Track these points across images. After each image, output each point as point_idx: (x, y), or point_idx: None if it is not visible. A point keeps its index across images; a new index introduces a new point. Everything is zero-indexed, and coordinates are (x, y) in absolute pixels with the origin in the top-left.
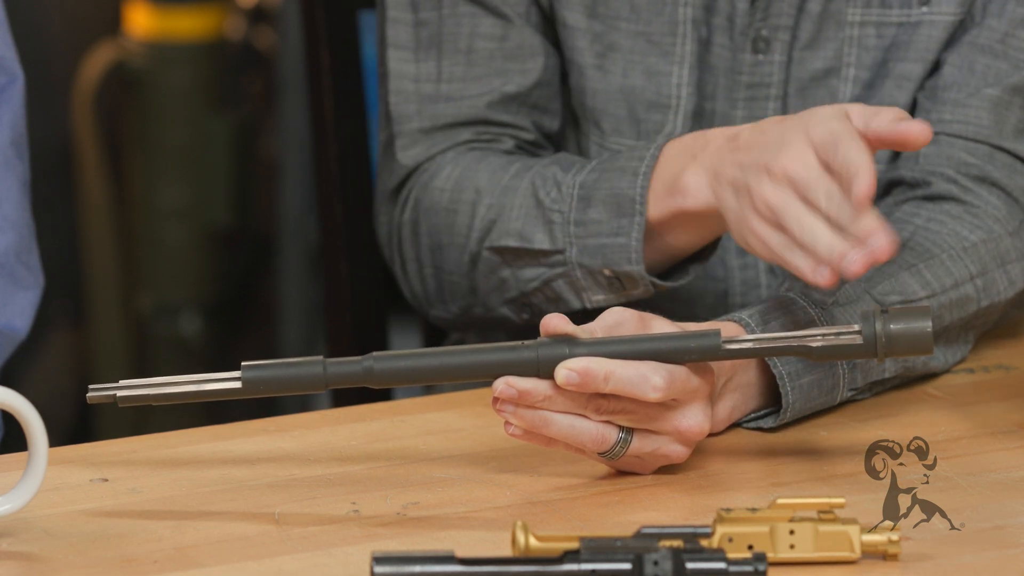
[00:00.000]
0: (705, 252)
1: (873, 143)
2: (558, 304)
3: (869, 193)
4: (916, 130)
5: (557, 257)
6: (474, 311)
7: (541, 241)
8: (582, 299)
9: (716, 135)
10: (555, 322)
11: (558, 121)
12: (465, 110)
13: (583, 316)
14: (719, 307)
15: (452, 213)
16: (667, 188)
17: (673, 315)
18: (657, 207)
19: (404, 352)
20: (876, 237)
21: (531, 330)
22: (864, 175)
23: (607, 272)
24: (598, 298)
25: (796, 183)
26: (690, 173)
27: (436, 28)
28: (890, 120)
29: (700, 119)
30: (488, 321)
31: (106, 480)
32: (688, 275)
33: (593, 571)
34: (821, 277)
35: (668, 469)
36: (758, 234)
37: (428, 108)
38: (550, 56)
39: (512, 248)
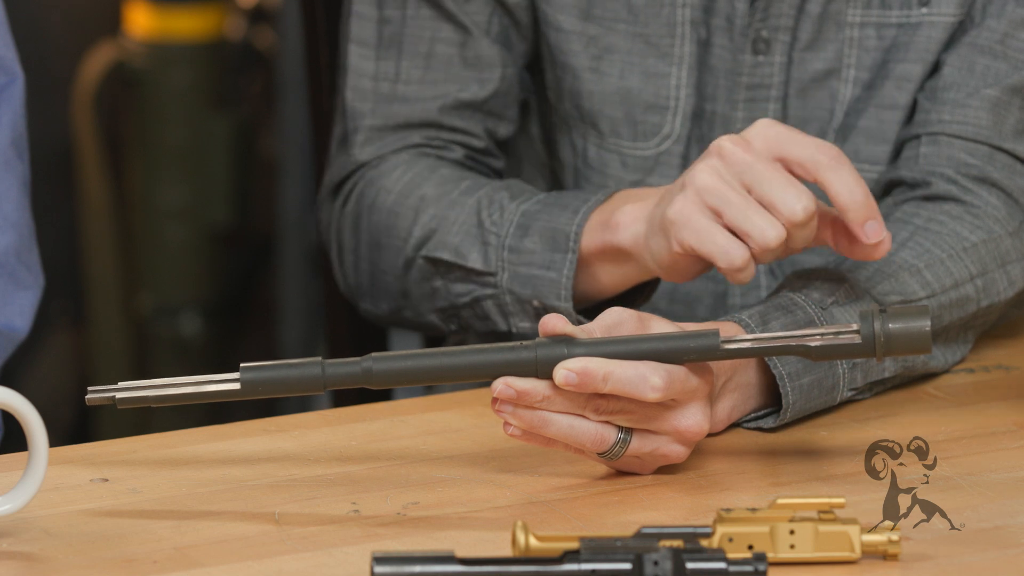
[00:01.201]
0: (646, 289)
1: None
2: (486, 322)
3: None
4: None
5: (488, 279)
6: (404, 313)
7: (475, 260)
8: (509, 323)
9: (663, 187)
10: (554, 322)
11: (512, 128)
12: (418, 112)
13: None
14: (718, 307)
15: (394, 215)
16: (602, 223)
17: (672, 316)
18: (591, 239)
19: (402, 353)
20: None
21: (465, 342)
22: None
23: (536, 303)
24: (524, 325)
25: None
26: (620, 211)
27: (399, 28)
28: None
29: (700, 120)
30: (415, 325)
31: (106, 480)
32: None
33: (593, 571)
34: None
35: (668, 469)
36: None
37: (383, 107)
38: (508, 67)
39: (446, 261)
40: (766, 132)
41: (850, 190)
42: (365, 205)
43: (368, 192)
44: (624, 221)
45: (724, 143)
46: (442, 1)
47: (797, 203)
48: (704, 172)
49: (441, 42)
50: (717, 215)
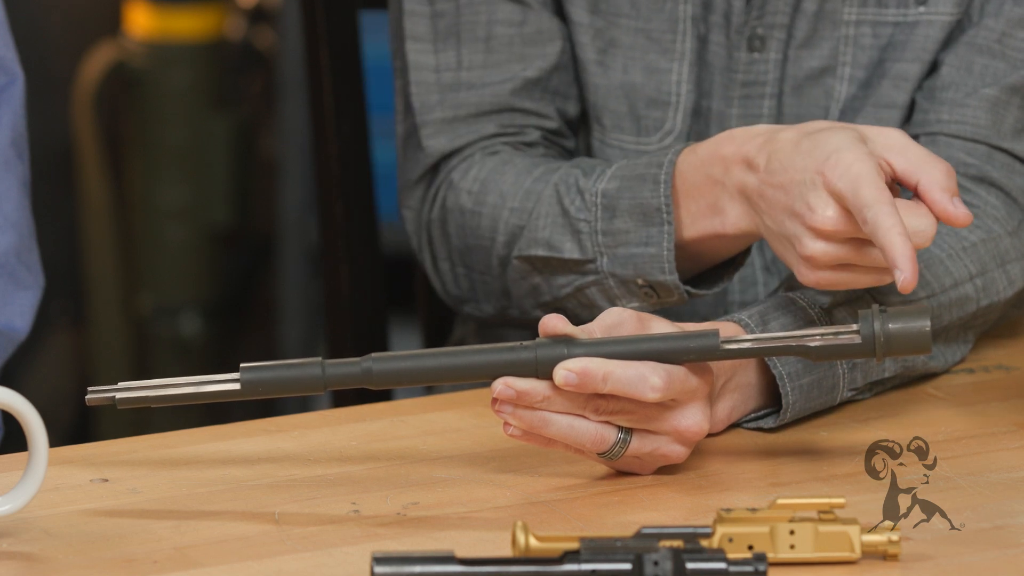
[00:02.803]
0: (739, 257)
1: (898, 185)
2: (592, 310)
3: (913, 284)
4: (962, 218)
5: (589, 266)
6: (509, 312)
7: (571, 251)
8: (617, 306)
9: (730, 156)
10: (554, 322)
11: (578, 107)
12: (488, 98)
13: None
14: (718, 305)
15: (477, 216)
16: (703, 210)
17: (673, 312)
18: (695, 227)
19: (402, 353)
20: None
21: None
22: (904, 263)
23: (640, 281)
24: (632, 305)
25: (832, 239)
26: (726, 200)
27: (454, 18)
28: (940, 196)
29: (698, 117)
30: (524, 323)
31: (106, 480)
32: (723, 281)
33: (593, 571)
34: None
35: (668, 469)
36: (816, 280)
37: (450, 97)
38: (566, 40)
39: (542, 257)
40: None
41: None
42: (449, 209)
43: (449, 196)
44: (730, 211)
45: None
46: None
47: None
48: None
49: (499, 23)
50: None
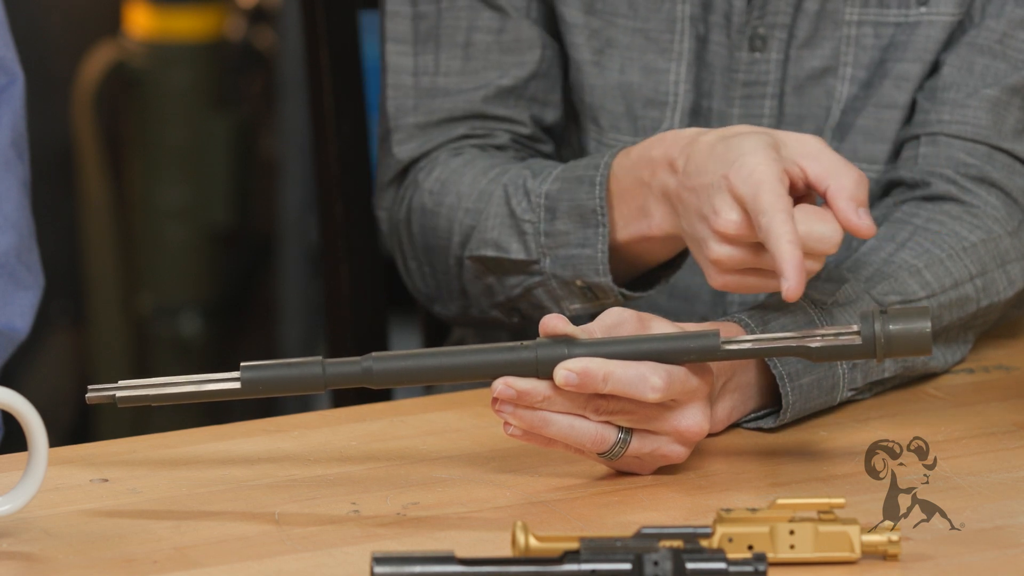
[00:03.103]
0: (676, 260)
1: (804, 188)
2: (541, 311)
3: (798, 294)
4: (864, 229)
5: (534, 267)
6: (470, 312)
7: (517, 251)
8: (560, 307)
9: (657, 158)
10: (554, 322)
11: (558, 113)
12: (461, 104)
13: (587, 317)
14: (718, 304)
15: (435, 216)
16: (634, 213)
17: (672, 312)
18: (627, 230)
19: (403, 352)
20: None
21: (529, 331)
22: (790, 272)
23: (579, 283)
24: (575, 307)
25: (736, 243)
26: (652, 202)
27: (435, 21)
28: (846, 205)
29: (697, 117)
30: (484, 322)
31: (106, 480)
32: (659, 284)
33: (593, 571)
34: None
35: (668, 469)
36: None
37: (425, 103)
38: (547, 48)
39: (492, 257)
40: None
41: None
42: (413, 209)
43: (415, 196)
44: (655, 212)
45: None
46: None
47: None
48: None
49: (479, 30)
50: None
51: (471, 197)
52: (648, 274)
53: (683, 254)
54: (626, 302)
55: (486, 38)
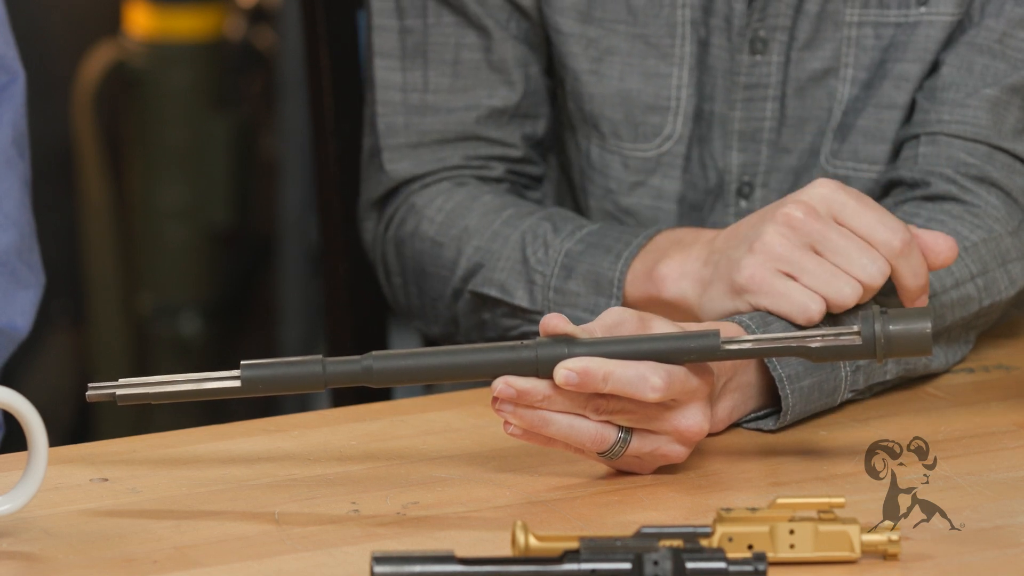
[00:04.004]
0: None
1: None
2: None
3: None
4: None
5: (535, 316)
6: (456, 338)
7: (521, 298)
8: None
9: (704, 235)
10: (555, 322)
11: (545, 123)
12: (453, 125)
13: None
14: None
15: (439, 246)
16: (645, 273)
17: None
18: (635, 288)
19: (403, 351)
20: None
21: None
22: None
23: None
24: None
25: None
26: (664, 263)
27: (422, 36)
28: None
29: (699, 121)
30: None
31: (106, 480)
32: None
33: (593, 571)
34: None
35: (668, 469)
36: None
37: (415, 121)
38: (532, 65)
39: (494, 298)
40: (831, 198)
41: (915, 274)
42: (407, 232)
43: (410, 219)
44: (669, 276)
45: (791, 211)
46: (464, 5)
47: (874, 267)
48: (774, 237)
49: (466, 48)
50: (792, 278)
51: (483, 235)
52: None
53: None
54: None
55: (474, 56)
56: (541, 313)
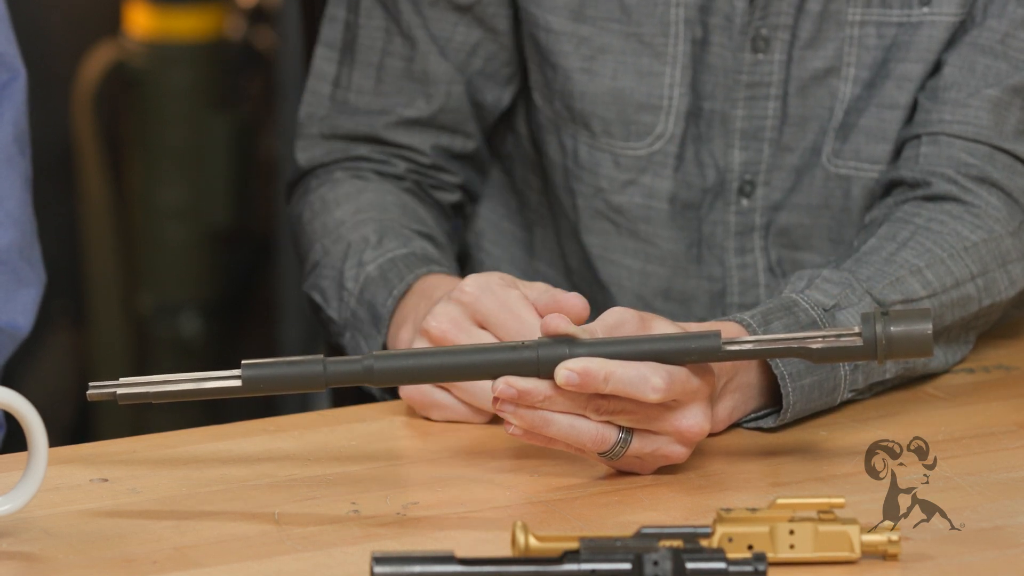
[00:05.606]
0: None
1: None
2: None
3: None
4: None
5: (340, 330)
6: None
7: (333, 310)
8: None
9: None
10: (556, 322)
11: (473, 142)
12: (362, 127)
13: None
14: (715, 306)
15: (304, 236)
16: (395, 325)
17: (669, 314)
18: (392, 336)
19: (404, 351)
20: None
21: None
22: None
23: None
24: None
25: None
26: (399, 337)
27: (355, 34)
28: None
29: (697, 119)
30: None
31: (106, 480)
32: None
33: (593, 571)
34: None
35: (668, 469)
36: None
37: (333, 116)
38: (455, 84)
39: (315, 303)
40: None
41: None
42: (295, 216)
43: (300, 205)
44: (402, 340)
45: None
46: (399, 14)
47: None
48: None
49: (391, 55)
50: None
51: (332, 235)
52: None
53: None
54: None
55: (398, 64)
56: (343, 334)
